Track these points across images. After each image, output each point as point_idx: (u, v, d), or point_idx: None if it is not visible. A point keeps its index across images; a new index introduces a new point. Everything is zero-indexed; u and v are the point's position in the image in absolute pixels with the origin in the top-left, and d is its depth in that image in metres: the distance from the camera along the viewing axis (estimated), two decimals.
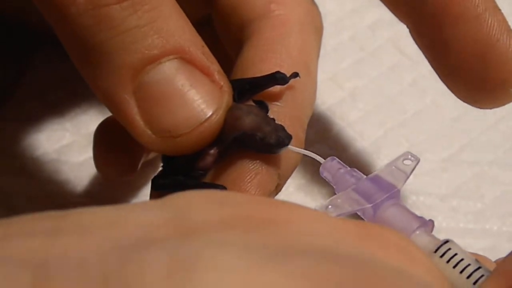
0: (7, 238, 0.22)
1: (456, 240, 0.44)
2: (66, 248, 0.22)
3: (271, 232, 0.24)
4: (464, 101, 0.38)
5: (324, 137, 0.49)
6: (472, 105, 0.38)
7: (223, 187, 0.32)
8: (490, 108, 0.38)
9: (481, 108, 0.39)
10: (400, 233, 0.28)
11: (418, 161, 0.33)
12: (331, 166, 0.34)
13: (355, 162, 0.47)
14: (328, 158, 0.34)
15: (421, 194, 0.46)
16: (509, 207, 0.46)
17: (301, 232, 0.24)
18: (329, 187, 0.40)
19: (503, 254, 0.43)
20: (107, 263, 0.21)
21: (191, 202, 0.25)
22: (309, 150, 0.35)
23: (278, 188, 0.35)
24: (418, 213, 0.45)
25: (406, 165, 0.33)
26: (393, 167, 0.33)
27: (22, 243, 0.22)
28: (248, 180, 0.33)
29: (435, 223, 0.45)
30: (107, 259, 0.21)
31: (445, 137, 0.49)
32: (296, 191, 0.46)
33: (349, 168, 0.33)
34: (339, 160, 0.34)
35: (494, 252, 0.44)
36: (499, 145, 0.49)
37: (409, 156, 0.33)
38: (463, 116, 0.50)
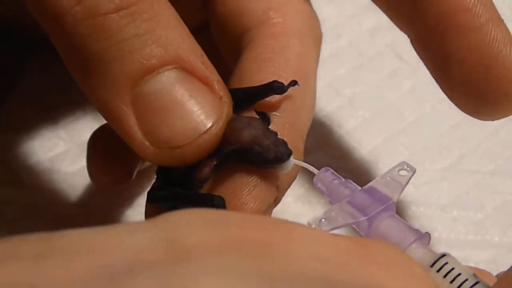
0: None
1: (456, 251, 0.44)
2: (52, 274, 0.21)
3: (268, 257, 0.23)
4: (465, 112, 0.38)
5: (322, 145, 0.48)
6: (473, 116, 0.38)
7: (221, 198, 0.32)
8: (492, 120, 0.38)
9: (482, 119, 0.38)
10: (400, 249, 0.28)
11: (414, 172, 0.32)
12: (325, 177, 0.33)
13: (353, 170, 0.47)
14: (322, 169, 0.33)
15: (421, 204, 0.46)
16: (510, 217, 0.46)
17: (300, 256, 0.24)
18: (327, 198, 0.40)
19: (504, 265, 0.43)
20: None
21: (184, 223, 0.24)
22: (307, 158, 0.34)
23: (276, 201, 0.34)
24: (418, 224, 0.45)
25: (402, 175, 0.32)
26: (388, 178, 0.32)
27: (7, 267, 0.21)
28: (246, 193, 0.32)
29: (435, 234, 0.45)
30: (96, 285, 0.21)
31: (445, 145, 0.49)
32: (294, 201, 0.45)
33: (343, 179, 0.33)
34: (333, 171, 0.33)
35: (495, 263, 0.43)
36: (500, 154, 0.49)
37: (405, 167, 0.33)
38: (463, 124, 0.49)
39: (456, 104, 0.38)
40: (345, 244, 0.25)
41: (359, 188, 0.32)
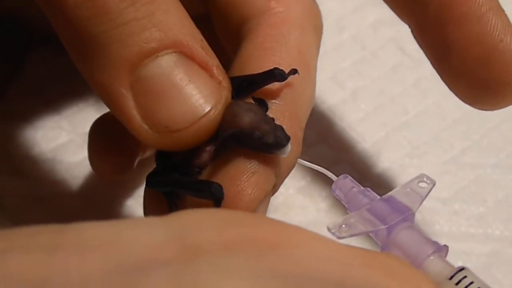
0: (5, 254, 0.22)
1: (457, 244, 0.44)
2: (66, 267, 0.21)
3: (279, 257, 0.23)
4: (465, 102, 0.38)
5: (324, 138, 0.48)
6: (473, 107, 0.38)
7: (219, 185, 0.31)
8: (492, 110, 0.38)
9: (482, 109, 0.38)
10: (407, 262, 0.28)
11: (434, 184, 0.33)
12: (343, 184, 0.33)
13: (355, 163, 0.47)
14: (341, 176, 0.33)
15: None
16: None
17: (310, 258, 0.24)
18: (329, 190, 0.40)
19: (505, 259, 0.43)
20: (109, 286, 0.21)
21: (196, 221, 0.24)
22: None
23: (275, 188, 0.34)
24: (419, 217, 0.45)
25: (421, 187, 0.32)
26: (408, 189, 0.32)
27: (21, 259, 0.22)
28: (245, 179, 0.32)
29: (436, 227, 0.44)
30: (109, 282, 0.21)
31: (447, 139, 0.49)
32: (296, 193, 0.45)
33: (362, 188, 0.33)
34: (352, 178, 0.33)
35: (496, 257, 0.43)
36: (502, 148, 0.49)
37: (424, 179, 0.33)
38: (465, 117, 0.49)
39: (456, 94, 0.38)
40: (356, 251, 0.25)
41: (378, 197, 0.32)
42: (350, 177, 0.33)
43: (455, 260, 0.42)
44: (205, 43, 0.33)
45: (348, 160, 0.47)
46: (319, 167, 0.33)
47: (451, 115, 0.50)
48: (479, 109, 0.38)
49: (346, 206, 0.33)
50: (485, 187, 0.46)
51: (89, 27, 0.31)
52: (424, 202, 0.45)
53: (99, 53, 0.31)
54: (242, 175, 0.32)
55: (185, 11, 0.32)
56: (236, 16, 0.38)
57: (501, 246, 0.44)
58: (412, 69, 0.51)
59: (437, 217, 0.45)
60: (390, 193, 0.32)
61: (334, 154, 0.47)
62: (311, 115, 0.37)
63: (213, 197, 0.31)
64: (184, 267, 0.22)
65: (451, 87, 0.38)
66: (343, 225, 0.30)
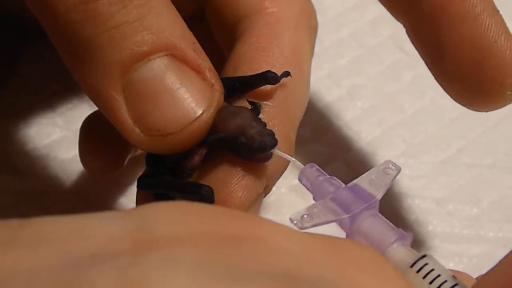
0: None
1: (450, 245, 0.44)
2: (16, 261, 0.21)
3: (234, 250, 0.23)
4: (460, 103, 0.38)
5: (320, 136, 0.48)
6: (468, 108, 0.38)
7: (209, 188, 0.31)
8: (486, 111, 0.38)
9: (477, 110, 0.38)
10: (373, 249, 0.27)
11: (399, 171, 0.32)
12: (310, 173, 0.32)
13: (351, 161, 0.47)
14: (307, 165, 0.33)
15: (416, 197, 0.45)
16: (507, 212, 0.45)
17: (266, 251, 0.23)
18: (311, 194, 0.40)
19: (498, 261, 0.43)
20: (55, 281, 0.20)
21: (157, 214, 0.24)
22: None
23: (266, 190, 0.34)
24: (413, 217, 0.45)
25: (387, 174, 0.32)
26: (373, 176, 0.32)
27: None
28: (235, 182, 0.32)
29: (430, 228, 0.44)
30: (56, 277, 0.21)
31: (444, 138, 0.49)
32: (288, 192, 0.45)
33: (328, 176, 0.32)
34: (319, 167, 0.32)
35: (488, 259, 0.43)
36: (499, 147, 0.48)
37: (390, 165, 0.32)
38: (462, 116, 0.49)
39: (450, 95, 0.37)
40: (313, 240, 0.25)
41: (344, 185, 0.32)
42: (317, 166, 0.32)
43: (446, 261, 0.42)
44: (198, 45, 0.32)
45: (343, 158, 0.47)
46: (286, 155, 0.32)
47: (448, 114, 0.49)
48: (473, 110, 0.38)
49: (312, 195, 0.32)
50: (481, 187, 0.46)
51: (80, 31, 0.30)
52: (417, 202, 0.45)
53: (90, 57, 0.31)
54: (233, 178, 0.32)
55: (177, 13, 0.32)
56: (230, 15, 0.38)
57: (494, 248, 0.44)
58: (410, 67, 0.51)
59: (430, 218, 0.45)
60: (355, 181, 0.31)
61: (330, 152, 0.47)
62: (307, 113, 0.37)
63: (204, 199, 0.31)
64: (133, 261, 0.21)
65: (445, 88, 0.37)
66: (305, 215, 0.30)
